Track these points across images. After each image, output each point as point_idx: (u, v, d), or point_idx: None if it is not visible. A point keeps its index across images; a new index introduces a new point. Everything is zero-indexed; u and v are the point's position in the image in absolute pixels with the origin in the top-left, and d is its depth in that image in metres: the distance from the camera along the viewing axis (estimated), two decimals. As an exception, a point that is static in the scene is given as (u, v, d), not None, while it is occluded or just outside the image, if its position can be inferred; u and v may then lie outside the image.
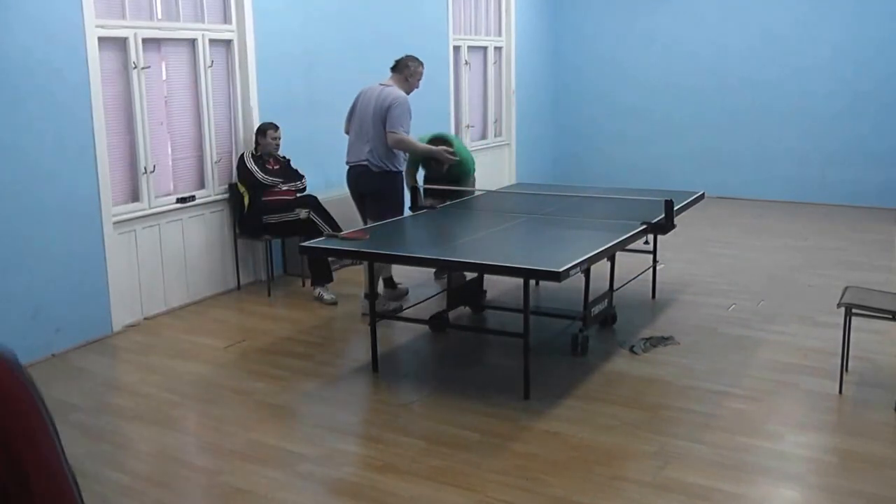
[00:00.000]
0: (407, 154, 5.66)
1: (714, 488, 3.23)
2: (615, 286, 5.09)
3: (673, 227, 4.89)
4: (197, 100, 5.92)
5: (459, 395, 4.30)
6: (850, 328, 4.16)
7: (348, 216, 6.12)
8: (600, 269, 4.86)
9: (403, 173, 5.65)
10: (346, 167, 5.73)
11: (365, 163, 5.51)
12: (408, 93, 5.60)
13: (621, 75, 10.26)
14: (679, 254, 6.88)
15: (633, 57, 10.13)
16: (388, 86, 5.59)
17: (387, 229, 5.04)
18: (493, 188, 6.84)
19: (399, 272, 5.94)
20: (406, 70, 5.65)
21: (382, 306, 5.35)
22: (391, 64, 5.74)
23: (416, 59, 5.76)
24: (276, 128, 6.03)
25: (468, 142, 9.03)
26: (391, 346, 4.89)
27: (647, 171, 9.91)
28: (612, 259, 4.92)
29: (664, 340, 4.89)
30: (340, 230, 5.42)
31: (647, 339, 4.91)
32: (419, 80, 5.74)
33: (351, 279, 6.27)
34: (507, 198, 6.27)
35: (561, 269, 3.77)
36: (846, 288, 4.34)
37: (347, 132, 5.79)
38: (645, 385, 4.27)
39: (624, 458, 3.49)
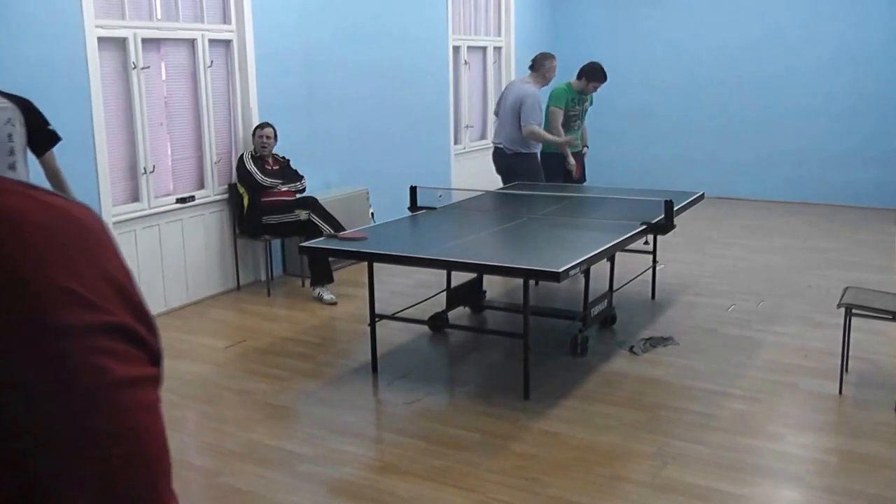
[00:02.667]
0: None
1: (714, 489, 3.23)
2: (615, 286, 5.09)
3: (673, 227, 4.89)
4: (196, 100, 5.92)
5: (459, 395, 4.31)
6: (850, 328, 4.16)
7: (348, 216, 6.12)
8: (600, 269, 4.86)
9: (538, 153, 6.65)
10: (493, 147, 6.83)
11: (501, 146, 6.60)
12: (543, 86, 6.65)
13: (621, 75, 10.21)
14: (679, 254, 6.88)
15: (633, 57, 10.12)
16: (526, 82, 6.62)
17: (387, 229, 5.04)
18: (493, 188, 6.84)
19: (400, 272, 5.93)
20: (542, 68, 6.60)
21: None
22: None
23: (549, 56, 6.69)
24: (263, 126, 6.01)
25: (467, 141, 9.06)
26: (391, 346, 4.89)
27: (647, 171, 9.91)
28: (611, 259, 4.92)
29: (664, 341, 4.89)
30: (343, 229, 5.43)
31: (646, 339, 4.91)
32: (554, 72, 6.72)
33: (351, 279, 6.27)
34: (506, 198, 6.27)
35: (561, 270, 3.77)
36: (846, 288, 4.33)
37: (496, 114, 6.90)
38: (645, 385, 4.27)
39: (624, 459, 3.49)
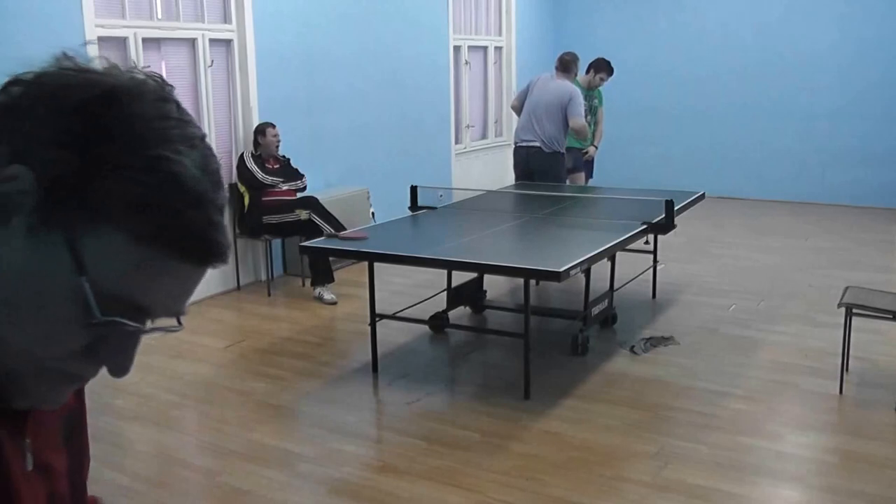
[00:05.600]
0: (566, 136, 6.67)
1: (714, 489, 3.22)
2: (615, 286, 5.09)
3: (673, 227, 4.89)
4: (197, 100, 5.92)
5: (459, 395, 4.30)
6: (850, 328, 4.16)
7: (349, 216, 6.11)
8: (600, 269, 4.86)
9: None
10: (514, 146, 6.66)
11: (538, 144, 6.42)
12: None
13: (621, 75, 10.19)
14: (679, 254, 6.88)
15: (634, 57, 10.10)
16: (561, 79, 6.50)
17: (387, 229, 5.04)
18: (493, 188, 6.84)
19: (401, 272, 5.93)
20: (574, 67, 6.62)
21: None
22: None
23: (577, 58, 6.68)
24: (271, 126, 6.02)
25: (468, 141, 9.06)
26: (391, 346, 4.89)
27: (648, 171, 9.90)
28: (612, 259, 4.92)
29: (664, 340, 4.88)
30: (344, 228, 5.43)
31: (647, 339, 4.90)
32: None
33: (351, 279, 6.26)
34: (507, 198, 6.27)
35: (561, 269, 3.77)
36: (846, 288, 4.33)
37: (515, 109, 6.76)
38: (645, 385, 4.27)
39: (624, 459, 3.49)
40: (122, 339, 0.67)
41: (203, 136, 0.67)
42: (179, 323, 0.70)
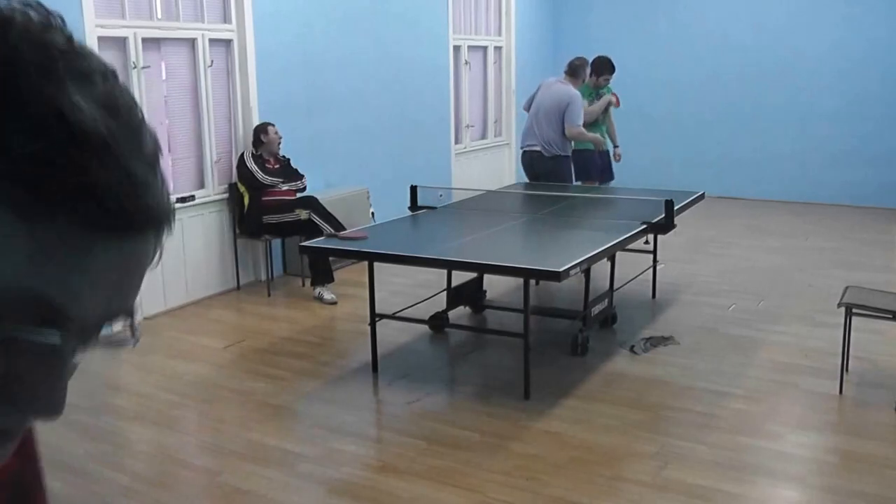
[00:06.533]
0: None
1: (714, 489, 3.22)
2: (615, 286, 5.09)
3: (673, 226, 4.89)
4: (197, 100, 5.92)
5: (459, 395, 4.30)
6: (850, 328, 4.16)
7: (349, 215, 6.11)
8: (600, 269, 4.86)
9: (570, 155, 6.61)
10: (521, 151, 6.73)
11: (539, 149, 6.45)
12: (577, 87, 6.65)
13: (621, 75, 10.18)
14: (679, 254, 6.87)
15: (633, 56, 10.09)
16: (564, 83, 6.53)
17: (387, 229, 5.04)
18: (493, 188, 6.84)
19: (400, 272, 5.93)
20: (583, 73, 6.66)
21: None
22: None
23: (587, 63, 6.74)
24: (271, 125, 6.03)
25: (468, 141, 9.06)
26: (391, 346, 4.89)
27: (647, 171, 9.88)
28: (612, 259, 4.92)
29: (664, 340, 4.88)
30: (344, 228, 5.43)
31: (647, 339, 4.90)
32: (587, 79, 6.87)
33: (351, 279, 6.26)
34: (507, 198, 6.27)
35: (561, 269, 3.77)
36: (846, 288, 4.33)
37: (526, 110, 6.76)
38: (645, 385, 4.27)
39: (624, 459, 3.49)
40: (38, 362, 0.44)
41: (106, 71, 0.49)
42: (133, 333, 0.50)
